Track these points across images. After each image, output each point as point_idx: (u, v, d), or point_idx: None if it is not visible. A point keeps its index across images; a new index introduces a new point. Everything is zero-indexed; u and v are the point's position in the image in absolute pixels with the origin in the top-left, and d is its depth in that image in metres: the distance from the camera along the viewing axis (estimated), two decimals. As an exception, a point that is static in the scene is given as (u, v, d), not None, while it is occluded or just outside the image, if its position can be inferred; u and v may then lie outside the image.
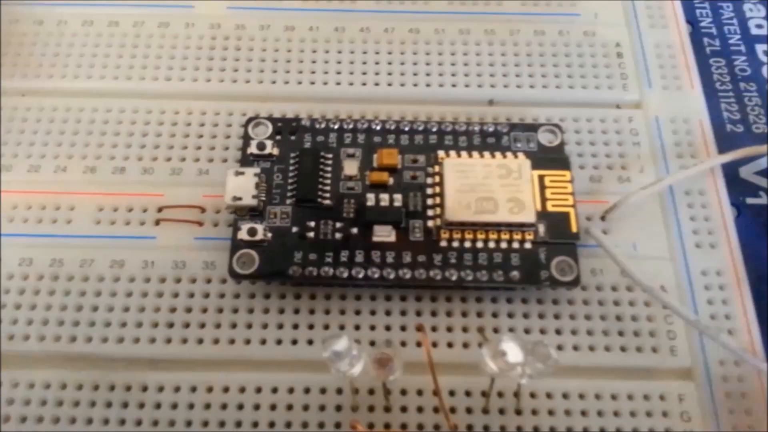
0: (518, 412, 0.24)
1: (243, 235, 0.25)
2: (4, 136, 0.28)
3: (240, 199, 0.25)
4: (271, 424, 0.24)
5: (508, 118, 0.29)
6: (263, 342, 0.25)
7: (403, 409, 0.24)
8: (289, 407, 0.24)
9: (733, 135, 0.30)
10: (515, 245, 0.25)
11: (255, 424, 0.24)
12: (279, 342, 0.25)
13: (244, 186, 0.26)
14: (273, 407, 0.24)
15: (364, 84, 0.30)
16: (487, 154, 0.27)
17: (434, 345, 0.25)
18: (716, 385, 0.25)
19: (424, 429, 0.24)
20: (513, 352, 0.21)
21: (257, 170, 0.26)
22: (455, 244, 0.25)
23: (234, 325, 0.25)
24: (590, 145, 0.29)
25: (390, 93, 0.30)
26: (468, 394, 0.24)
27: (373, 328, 0.25)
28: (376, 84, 0.30)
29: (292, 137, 0.27)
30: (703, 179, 0.28)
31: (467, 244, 0.25)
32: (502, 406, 0.24)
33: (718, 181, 0.28)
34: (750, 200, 0.28)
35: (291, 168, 0.27)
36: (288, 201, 0.26)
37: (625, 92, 0.30)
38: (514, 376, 0.21)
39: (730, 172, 0.29)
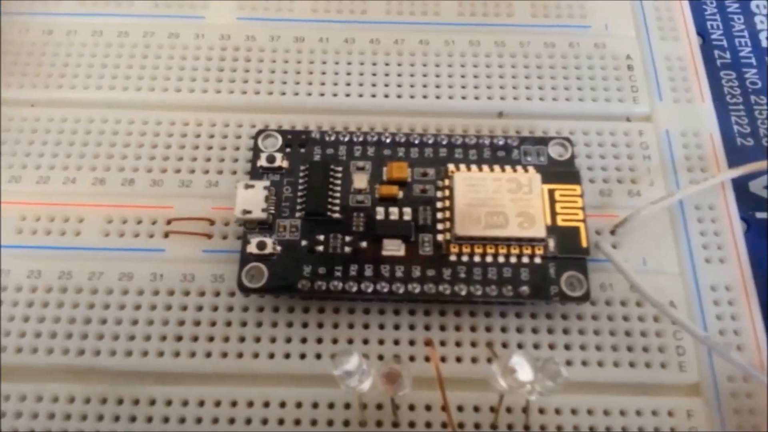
0: (527, 428, 0.24)
1: (252, 248, 0.25)
2: (13, 147, 0.28)
3: (249, 212, 0.25)
4: (279, 439, 0.24)
5: (518, 130, 0.29)
6: (271, 356, 0.25)
7: (412, 425, 0.24)
8: (297, 422, 0.24)
9: (743, 148, 0.30)
10: (525, 260, 0.25)
11: (263, 439, 0.24)
12: (287, 356, 0.25)
13: (253, 199, 0.26)
14: (281, 422, 0.24)
15: (373, 96, 0.30)
16: (497, 167, 0.27)
17: (443, 360, 0.25)
18: (725, 402, 0.24)
19: (432, 445, 0.24)
20: (523, 370, 0.21)
21: (267, 183, 0.26)
22: (465, 258, 0.25)
23: (242, 339, 0.25)
24: (600, 158, 0.29)
25: (400, 105, 0.30)
26: (476, 409, 0.24)
27: (381, 342, 0.25)
28: (386, 96, 0.30)
29: (302, 150, 0.27)
30: (713, 193, 0.28)
31: (477, 259, 0.25)
32: (511, 421, 0.24)
33: (728, 196, 0.28)
34: (759, 215, 0.28)
35: (300, 181, 0.27)
36: (297, 214, 0.26)
37: (636, 105, 0.30)
38: (523, 392, 0.21)
39: (740, 186, 0.29)
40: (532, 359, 0.21)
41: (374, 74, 0.30)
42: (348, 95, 0.30)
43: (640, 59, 0.31)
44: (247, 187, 0.26)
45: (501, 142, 0.28)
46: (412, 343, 0.25)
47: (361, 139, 0.28)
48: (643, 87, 0.30)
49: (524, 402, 0.24)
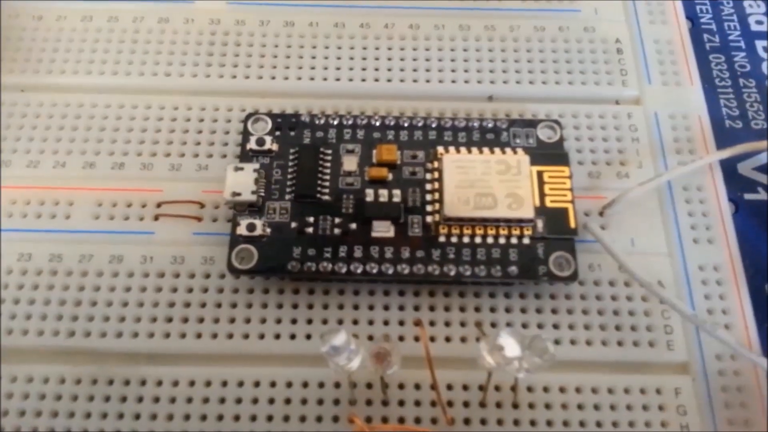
0: (515, 406, 0.24)
1: (242, 230, 0.25)
2: (3, 132, 0.28)
3: (239, 194, 0.26)
4: (270, 418, 0.24)
5: (508, 113, 0.29)
6: (261, 336, 0.25)
7: (401, 403, 0.24)
8: (287, 401, 0.24)
9: (731, 131, 0.30)
10: (513, 240, 0.25)
11: (253, 418, 0.24)
12: (277, 336, 0.25)
13: (243, 181, 0.26)
14: (271, 401, 0.24)
15: (363, 80, 0.30)
16: (486, 149, 0.27)
17: (432, 339, 0.25)
18: (712, 380, 0.25)
19: (421, 423, 0.24)
20: (510, 346, 0.21)
21: (256, 166, 0.26)
22: (454, 239, 0.25)
23: (232, 320, 0.25)
24: (589, 140, 0.29)
25: (389, 89, 0.30)
26: (465, 388, 0.24)
27: (371, 323, 0.25)
28: (376, 80, 0.30)
29: (292, 133, 0.27)
30: (702, 175, 0.28)
31: (466, 240, 0.25)
32: (499, 399, 0.24)
33: (716, 177, 0.28)
34: (748, 196, 0.28)
35: (290, 164, 0.27)
36: (287, 196, 0.26)
37: (625, 88, 0.30)
38: (511, 370, 0.21)
39: (729, 167, 0.29)
40: (519, 336, 0.21)
41: (364, 58, 0.30)
42: (338, 79, 0.30)
43: (630, 43, 0.31)
44: (237, 169, 0.26)
45: (490, 125, 0.28)
46: (401, 323, 0.25)
47: (350, 122, 0.28)
48: (632, 70, 0.31)
49: (513, 380, 0.24)
